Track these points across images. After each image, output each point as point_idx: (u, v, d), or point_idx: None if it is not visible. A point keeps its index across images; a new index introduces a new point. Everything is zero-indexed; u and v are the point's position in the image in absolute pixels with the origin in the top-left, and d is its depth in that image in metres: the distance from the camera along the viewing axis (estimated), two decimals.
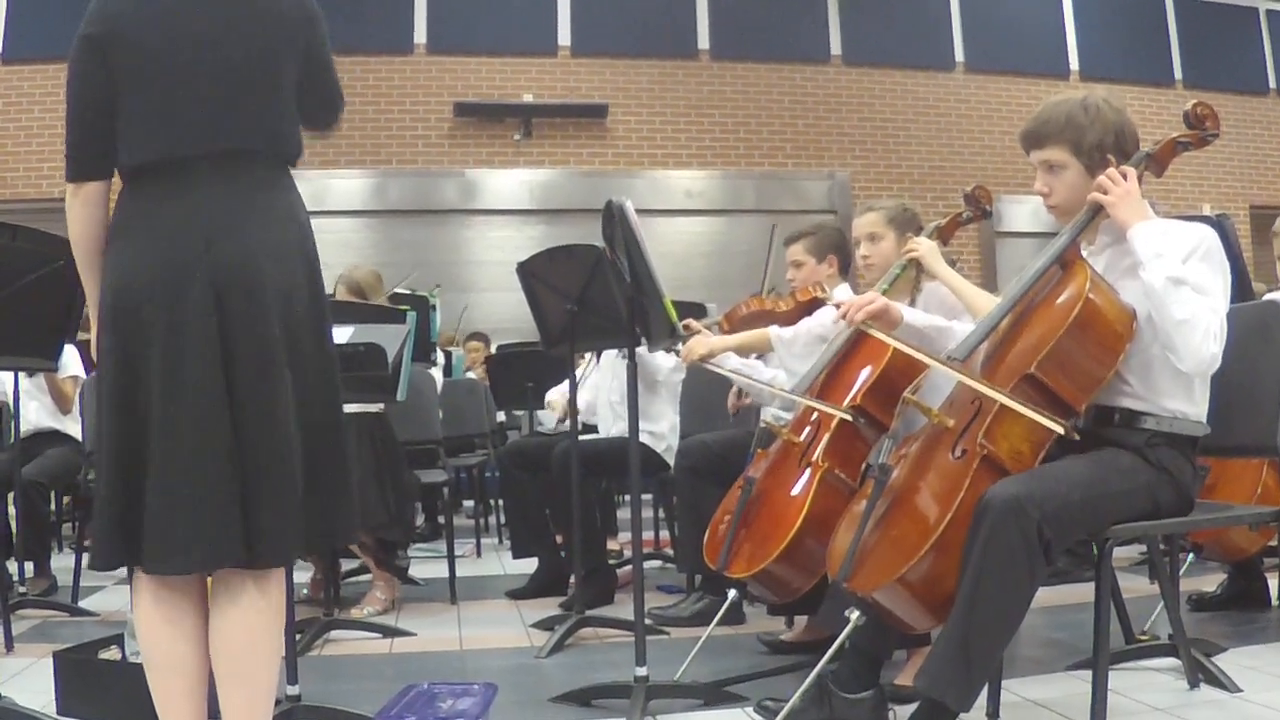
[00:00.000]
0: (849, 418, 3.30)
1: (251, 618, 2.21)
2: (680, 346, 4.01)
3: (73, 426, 5.50)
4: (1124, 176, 2.63)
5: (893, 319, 3.15)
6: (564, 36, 11.49)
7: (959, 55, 12.27)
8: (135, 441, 2.17)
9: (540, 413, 7.45)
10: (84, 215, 2.34)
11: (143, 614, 2.23)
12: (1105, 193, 2.63)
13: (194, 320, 2.16)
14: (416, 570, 5.34)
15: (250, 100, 2.28)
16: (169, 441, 2.14)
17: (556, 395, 5.88)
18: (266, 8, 2.30)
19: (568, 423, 4.46)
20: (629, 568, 4.27)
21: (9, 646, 3.94)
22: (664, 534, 6.20)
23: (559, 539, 5.07)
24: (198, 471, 2.13)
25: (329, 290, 3.05)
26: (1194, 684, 3.08)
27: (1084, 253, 2.73)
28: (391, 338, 3.92)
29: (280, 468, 2.17)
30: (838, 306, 3.27)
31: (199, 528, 2.12)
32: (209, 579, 2.26)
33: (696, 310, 5.13)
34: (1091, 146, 2.70)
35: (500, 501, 6.73)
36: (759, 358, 4.40)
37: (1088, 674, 2.59)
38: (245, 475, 2.16)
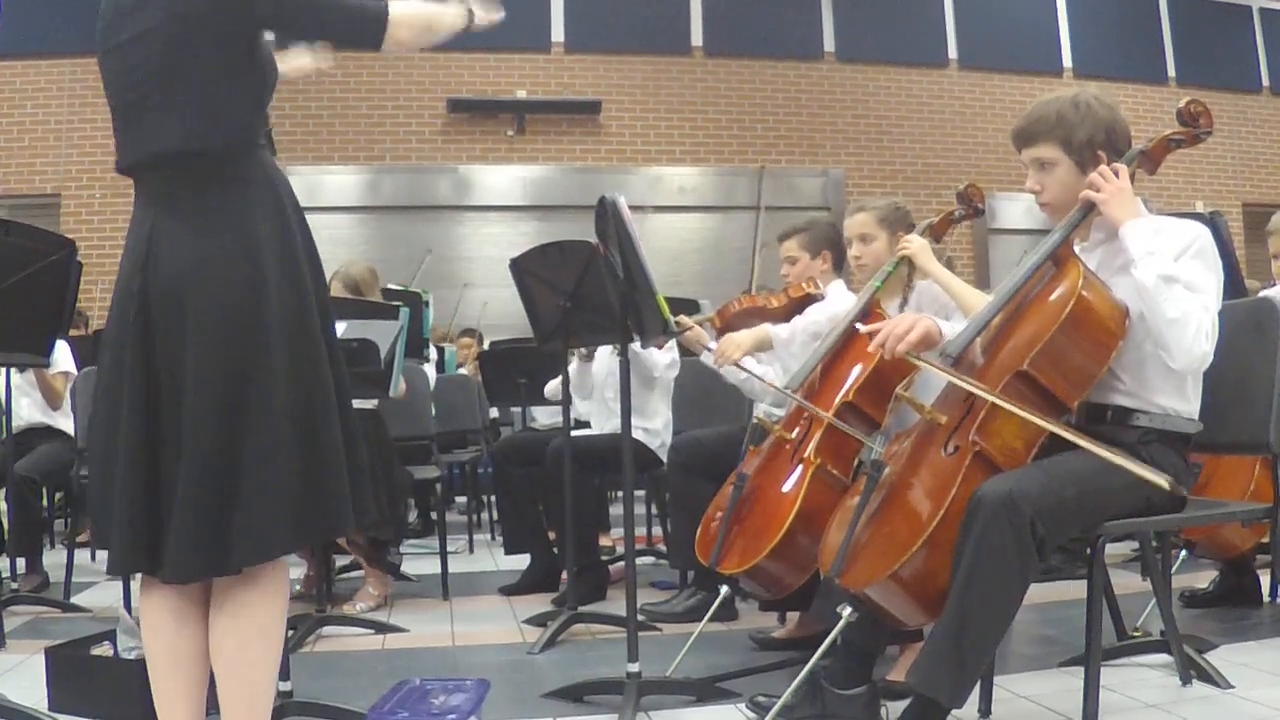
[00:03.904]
0: (836, 423, 3.30)
1: (249, 618, 2.22)
2: (676, 345, 3.99)
3: (65, 422, 5.49)
4: (1115, 174, 2.64)
5: (933, 342, 2.77)
6: (557, 33, 11.48)
7: (952, 52, 12.27)
8: (100, 444, 2.27)
9: (533, 408, 7.44)
10: None
11: (147, 611, 2.26)
12: (1097, 190, 2.63)
13: (130, 336, 2.19)
14: (409, 566, 5.34)
15: (158, 101, 2.22)
16: (112, 450, 2.20)
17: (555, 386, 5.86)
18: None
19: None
20: (621, 564, 4.26)
21: (0, 643, 3.93)
22: (656, 530, 6.21)
23: (552, 535, 5.07)
24: (121, 481, 2.16)
25: None
26: (1186, 680, 3.08)
27: (1077, 249, 2.73)
28: (384, 333, 3.92)
29: (194, 481, 2.14)
30: (870, 335, 2.84)
31: (116, 534, 2.17)
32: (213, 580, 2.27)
33: (689, 306, 5.12)
34: (1082, 143, 2.70)
35: (493, 497, 6.73)
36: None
37: (1080, 670, 2.59)
38: (160, 487, 2.16)
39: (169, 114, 2.21)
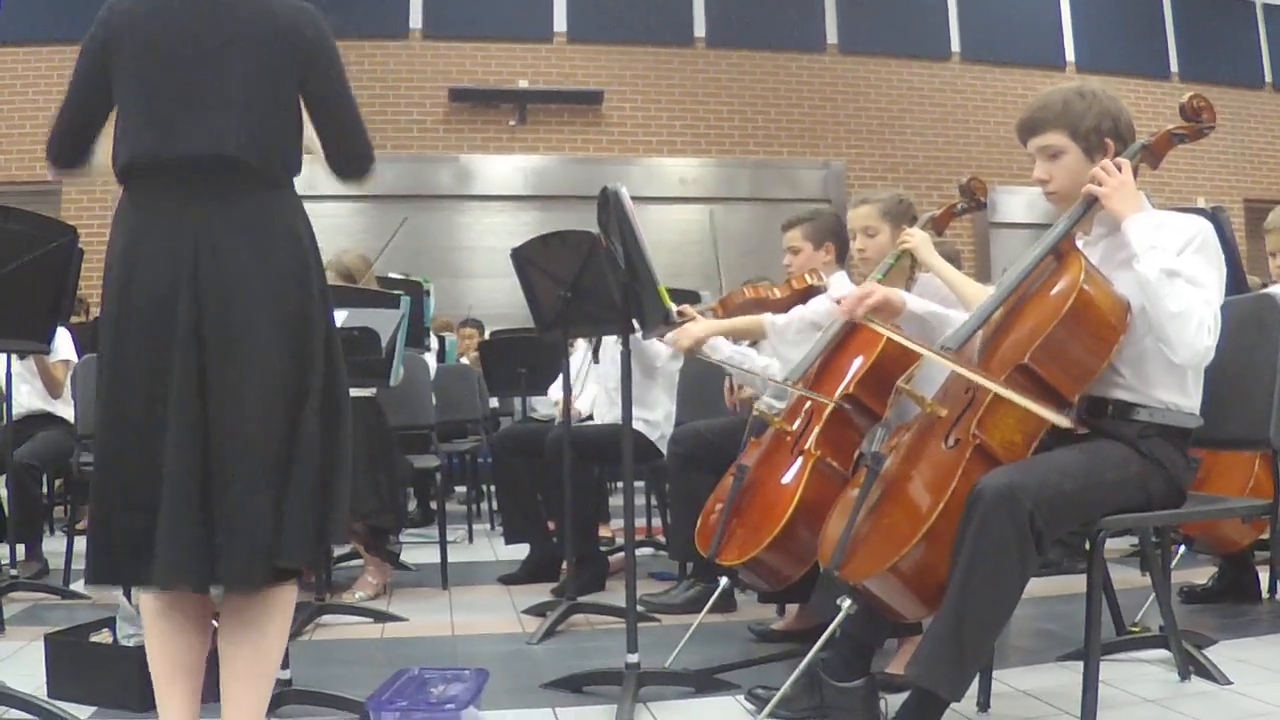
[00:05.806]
0: (841, 405, 3.30)
1: (262, 632, 2.26)
2: (670, 334, 4.00)
3: (65, 409, 5.49)
4: (1119, 168, 2.63)
5: (895, 309, 3.10)
6: (560, 23, 11.46)
7: (955, 45, 12.26)
8: (128, 449, 2.21)
9: (533, 399, 7.44)
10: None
11: (148, 602, 2.27)
12: (1100, 185, 2.62)
13: (178, 341, 2.17)
14: (408, 555, 5.34)
15: (239, 110, 2.25)
16: (152, 456, 2.17)
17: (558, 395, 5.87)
18: (268, 25, 2.28)
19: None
20: (621, 554, 4.27)
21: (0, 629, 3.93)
22: (656, 521, 6.21)
23: (551, 525, 5.07)
24: (171, 489, 2.14)
25: None
26: (1184, 676, 3.09)
27: (1079, 243, 2.72)
28: (385, 322, 3.91)
29: (247, 490, 2.16)
30: (838, 302, 3.23)
31: (165, 544, 2.14)
32: None
33: (690, 298, 5.12)
34: (1089, 130, 2.70)
35: (492, 487, 6.74)
36: (752, 345, 4.40)
37: (1079, 665, 2.59)
38: (210, 496, 2.16)
39: (253, 126, 2.26)
